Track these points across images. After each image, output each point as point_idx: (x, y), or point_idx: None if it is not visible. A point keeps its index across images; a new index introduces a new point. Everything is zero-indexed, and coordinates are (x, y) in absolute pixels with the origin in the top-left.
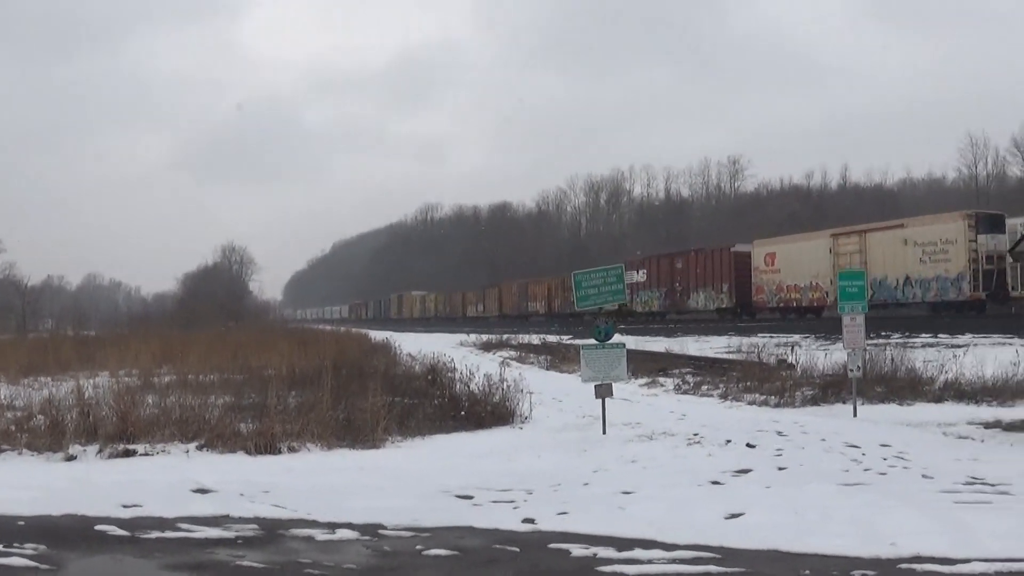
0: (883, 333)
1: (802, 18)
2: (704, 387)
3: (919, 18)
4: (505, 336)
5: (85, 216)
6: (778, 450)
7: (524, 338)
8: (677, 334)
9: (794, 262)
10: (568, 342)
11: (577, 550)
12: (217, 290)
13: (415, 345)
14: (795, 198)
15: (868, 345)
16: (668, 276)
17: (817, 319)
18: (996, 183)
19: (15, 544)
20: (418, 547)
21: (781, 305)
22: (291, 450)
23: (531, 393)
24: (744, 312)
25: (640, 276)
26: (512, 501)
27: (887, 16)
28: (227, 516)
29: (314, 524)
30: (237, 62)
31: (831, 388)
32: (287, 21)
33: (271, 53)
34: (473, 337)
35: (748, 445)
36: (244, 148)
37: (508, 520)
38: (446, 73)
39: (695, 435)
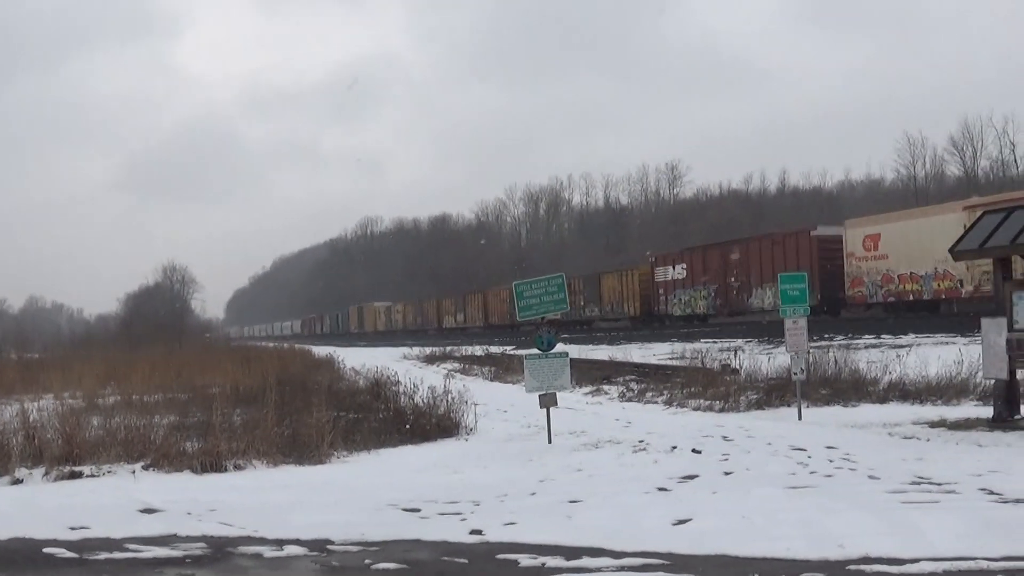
0: (826, 335)
1: (735, 23)
2: (649, 394)
3: (852, 20)
4: (448, 348)
5: (26, 238)
6: (724, 455)
7: (467, 350)
8: (620, 342)
9: (910, 245)
10: (512, 352)
11: (525, 560)
12: (159, 310)
13: (358, 359)
14: (734, 203)
15: (811, 347)
16: (719, 270)
17: (945, 316)
18: (935, 183)
19: None
20: (367, 561)
21: (890, 299)
22: (237, 468)
23: (476, 404)
24: (831, 311)
25: (677, 272)
26: (459, 513)
27: (820, 19)
28: (175, 535)
29: (262, 541)
30: (175, 81)
31: (775, 392)
32: (224, 39)
33: (209, 71)
34: (416, 350)
35: (694, 451)
36: (184, 167)
37: (456, 532)
38: (383, 87)
39: (641, 442)
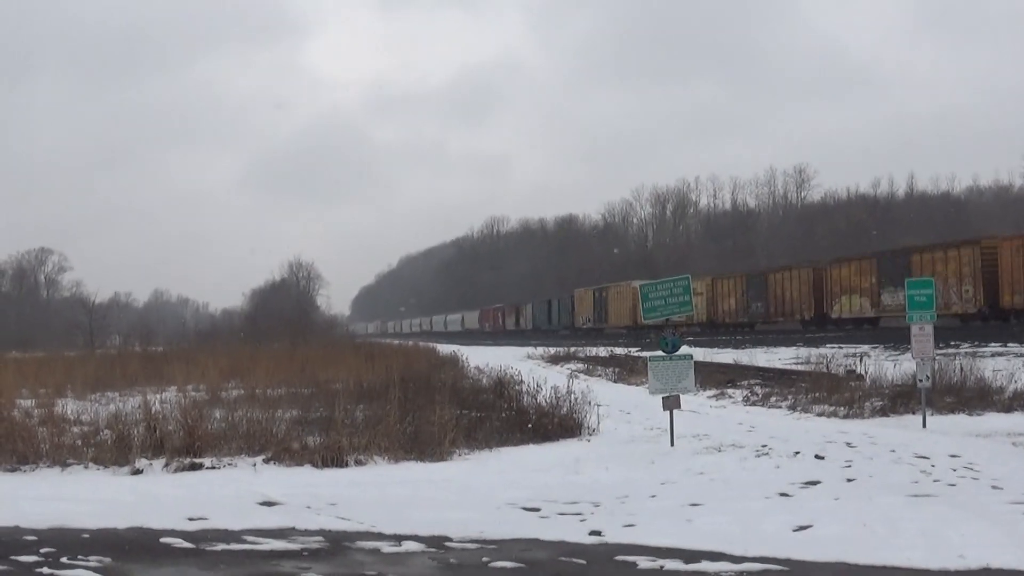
0: (952, 343)
1: (856, 28)
2: (773, 398)
3: (974, 25)
4: (573, 349)
5: (153, 234)
6: (847, 462)
7: (592, 351)
8: (745, 346)
9: None
10: (636, 354)
11: (644, 562)
12: (284, 305)
13: (483, 358)
14: (862, 207)
15: (937, 355)
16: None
17: None
18: None
19: (80, 556)
20: (484, 559)
21: None
22: (358, 463)
23: (598, 405)
24: None
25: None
26: (579, 513)
27: (942, 24)
28: (293, 528)
29: (380, 536)
30: (303, 82)
31: (900, 399)
32: (351, 42)
33: (336, 73)
34: (540, 350)
35: (817, 457)
36: (310, 166)
37: (575, 532)
38: (507, 89)
39: (763, 447)
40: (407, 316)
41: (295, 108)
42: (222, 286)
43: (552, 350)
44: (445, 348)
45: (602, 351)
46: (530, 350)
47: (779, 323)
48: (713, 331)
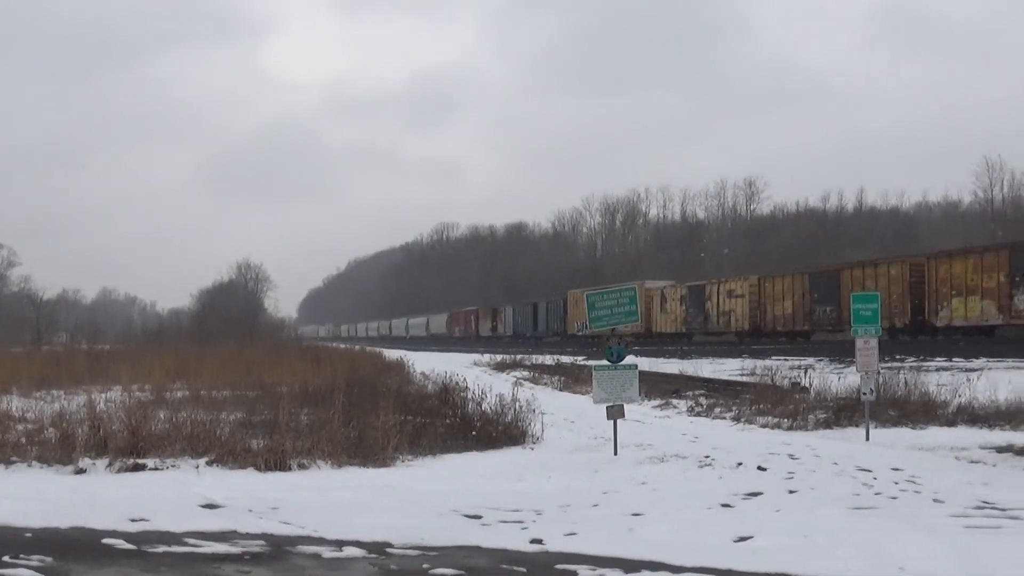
0: (897, 356)
1: (811, 45)
2: (717, 409)
3: (927, 43)
4: (519, 356)
5: (102, 231)
6: (789, 473)
7: (538, 359)
8: (691, 356)
9: None
10: (582, 363)
11: (584, 571)
12: (232, 306)
13: (428, 364)
14: (811, 221)
15: (882, 368)
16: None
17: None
18: (1012, 207)
19: (22, 555)
20: (425, 566)
21: None
22: (301, 467)
23: (543, 414)
24: None
25: None
26: (521, 521)
27: (894, 41)
28: (235, 532)
29: (321, 541)
30: (258, 83)
31: (844, 412)
32: (308, 44)
33: (292, 75)
34: (487, 357)
35: (759, 468)
36: (263, 167)
37: (516, 540)
38: (462, 95)
39: (707, 457)
40: (364, 319)
41: (250, 109)
42: (170, 285)
43: (499, 357)
44: (392, 353)
45: (548, 359)
46: (477, 357)
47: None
48: (757, 341)
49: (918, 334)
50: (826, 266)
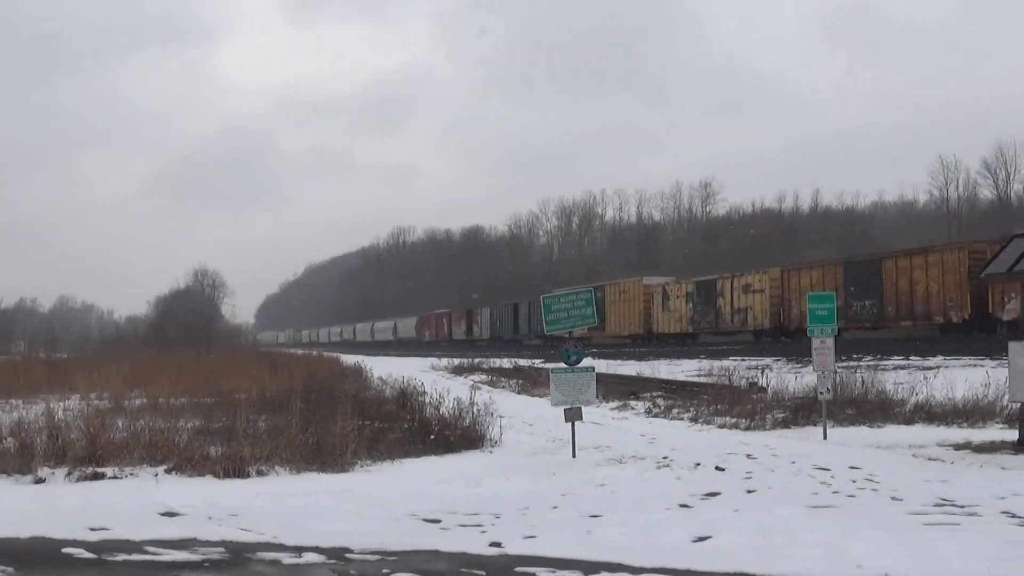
0: (855, 356)
1: (764, 47)
2: (675, 410)
3: (882, 44)
4: (477, 360)
5: (59, 239)
6: (747, 473)
7: (496, 362)
8: (649, 358)
9: None
10: (540, 366)
11: (543, 574)
12: (189, 313)
13: (386, 369)
14: (767, 222)
15: (839, 368)
16: None
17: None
18: (967, 206)
19: None
20: (384, 571)
21: None
22: (260, 473)
23: (501, 417)
24: None
25: None
26: (480, 525)
27: (849, 43)
28: (194, 539)
29: (281, 548)
30: (213, 89)
31: (802, 411)
32: (262, 49)
33: (246, 81)
34: (445, 361)
35: (717, 468)
36: (219, 174)
37: (475, 544)
38: (416, 99)
39: (665, 458)
40: (326, 324)
41: (205, 114)
42: (128, 293)
43: (456, 361)
44: (349, 359)
45: (506, 363)
46: (434, 361)
47: (903, 328)
48: (777, 341)
49: (979, 329)
50: (865, 255)
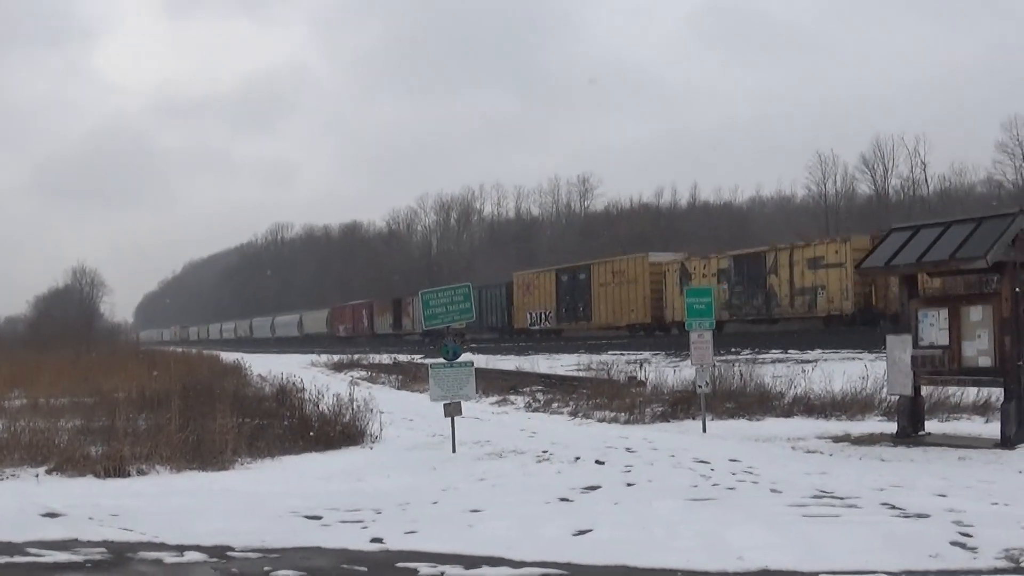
0: (733, 349)
1: (640, 43)
2: (554, 405)
3: (761, 42)
4: (356, 356)
5: None
6: (627, 466)
7: (375, 358)
8: (528, 352)
9: None
10: (420, 361)
11: (425, 569)
12: (68, 313)
13: (266, 366)
14: (645, 217)
15: (717, 361)
16: None
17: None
18: (845, 201)
19: None
20: (266, 568)
21: None
22: (140, 473)
23: (382, 413)
24: None
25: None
26: (361, 521)
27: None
28: (76, 540)
29: (163, 547)
30: (88, 86)
31: (681, 404)
32: (139, 46)
33: (124, 78)
34: (324, 358)
35: (597, 462)
36: (95, 172)
37: (357, 540)
38: (294, 96)
39: (544, 452)
40: (217, 320)
41: (82, 112)
42: (5, 292)
43: (336, 357)
44: (229, 356)
45: (386, 358)
46: (314, 357)
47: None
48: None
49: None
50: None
